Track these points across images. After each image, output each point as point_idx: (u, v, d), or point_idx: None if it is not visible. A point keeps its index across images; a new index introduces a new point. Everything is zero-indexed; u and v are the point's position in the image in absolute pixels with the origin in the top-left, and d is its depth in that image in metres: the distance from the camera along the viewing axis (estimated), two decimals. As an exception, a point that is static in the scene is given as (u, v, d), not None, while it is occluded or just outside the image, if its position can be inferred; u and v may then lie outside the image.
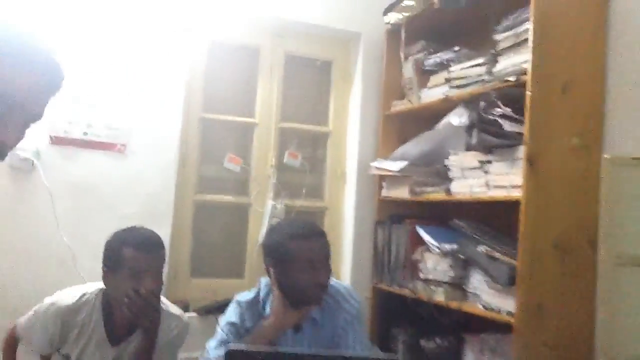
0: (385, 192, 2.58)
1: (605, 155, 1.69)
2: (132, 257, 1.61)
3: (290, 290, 1.64)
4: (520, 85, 1.91)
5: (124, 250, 1.62)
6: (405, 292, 2.33)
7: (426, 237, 2.26)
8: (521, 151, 1.88)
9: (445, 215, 2.31)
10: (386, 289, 2.48)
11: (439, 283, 2.16)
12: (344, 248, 2.75)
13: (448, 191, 2.21)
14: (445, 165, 2.24)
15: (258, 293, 1.76)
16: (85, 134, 2.34)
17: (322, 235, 1.71)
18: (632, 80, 1.91)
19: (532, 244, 1.83)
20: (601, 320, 1.62)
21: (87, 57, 2.33)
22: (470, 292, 2.07)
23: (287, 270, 1.64)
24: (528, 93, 1.87)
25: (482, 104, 2.03)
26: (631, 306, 1.66)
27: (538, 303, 1.83)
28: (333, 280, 1.75)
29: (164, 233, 2.31)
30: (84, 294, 1.71)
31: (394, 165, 2.43)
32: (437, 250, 2.18)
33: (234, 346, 1.37)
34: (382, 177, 2.58)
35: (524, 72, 1.90)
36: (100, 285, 1.72)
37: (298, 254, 1.63)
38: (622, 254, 1.64)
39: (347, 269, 2.69)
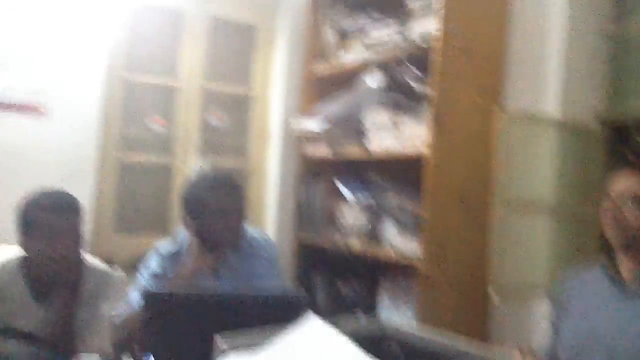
0: (307, 151, 2.71)
1: (501, 112, 1.88)
2: (43, 220, 1.64)
3: (205, 234, 1.76)
4: (430, 49, 2.07)
5: (35, 214, 1.65)
6: (326, 242, 2.49)
7: (344, 191, 2.42)
8: (428, 110, 2.05)
9: (363, 171, 2.47)
10: (308, 240, 2.64)
11: (355, 233, 2.33)
12: (268, 204, 2.88)
13: (365, 148, 2.37)
14: (362, 124, 2.39)
15: (177, 243, 1.87)
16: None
17: (233, 184, 1.84)
18: (532, 40, 2.11)
19: (437, 194, 2.03)
20: (493, 259, 1.83)
21: (3, 14, 2.28)
22: (383, 240, 2.25)
23: (201, 217, 1.76)
24: (435, 56, 2.04)
25: (394, 67, 2.18)
26: (518, 244, 1.89)
27: (441, 247, 2.04)
28: (250, 229, 1.87)
29: (87, 192, 2.33)
30: (3, 260, 1.74)
31: (316, 125, 2.57)
32: (354, 203, 2.34)
33: (151, 289, 1.45)
34: (304, 136, 2.71)
35: (433, 37, 2.06)
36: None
37: (210, 201, 1.76)
38: (512, 200, 1.86)
39: (272, 223, 2.82)
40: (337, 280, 2.47)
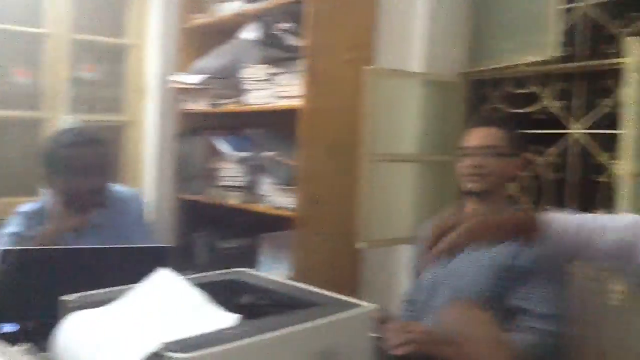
0: (185, 105, 2.64)
1: (367, 67, 1.93)
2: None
3: (67, 192, 1.69)
4: (303, 1, 2.07)
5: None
6: (205, 198, 2.48)
7: (222, 146, 2.40)
8: (302, 63, 2.06)
9: (242, 126, 2.46)
10: (188, 197, 2.60)
11: (234, 188, 2.34)
12: (146, 161, 2.79)
13: (242, 102, 2.35)
14: (239, 78, 2.36)
15: (41, 203, 1.78)
16: None
17: (96, 140, 1.78)
18: (401, 0, 2.17)
19: (310, 148, 2.07)
20: (361, 208, 1.91)
21: None
22: (261, 195, 2.27)
23: (62, 175, 1.68)
24: (307, 9, 2.04)
25: (268, 19, 2.16)
26: (386, 193, 1.99)
27: (315, 198, 2.10)
28: (118, 186, 1.82)
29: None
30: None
31: (194, 79, 2.50)
32: (232, 158, 2.34)
33: (10, 247, 1.40)
34: (182, 90, 2.63)
35: (305, -11, 2.06)
36: None
37: (71, 159, 1.69)
38: (380, 152, 1.94)
39: (150, 181, 2.75)
40: (218, 237, 2.47)
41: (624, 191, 1.37)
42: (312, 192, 2.09)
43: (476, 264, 1.47)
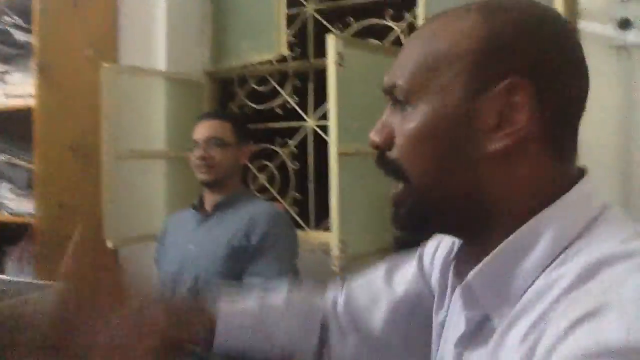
0: None
1: (105, 65, 1.90)
2: None
3: None
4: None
5: None
6: None
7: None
8: (34, 61, 1.95)
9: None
10: None
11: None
12: None
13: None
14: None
15: None
16: None
17: None
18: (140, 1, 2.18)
19: (49, 149, 1.96)
20: (107, 207, 1.87)
21: None
22: (-1, 202, 2.09)
23: None
24: (37, 4, 1.93)
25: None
26: (133, 191, 1.98)
27: (58, 202, 2.00)
28: None
29: None
30: None
31: None
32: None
33: None
34: None
35: (32, -17, 1.95)
36: None
37: None
38: (121, 149, 1.93)
39: None
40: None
41: (334, 170, 1.56)
42: (55, 196, 1.99)
43: (215, 245, 1.55)
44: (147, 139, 2.05)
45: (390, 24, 2.04)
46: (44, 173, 1.96)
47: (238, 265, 1.54)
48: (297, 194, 2.23)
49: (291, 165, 2.24)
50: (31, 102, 1.95)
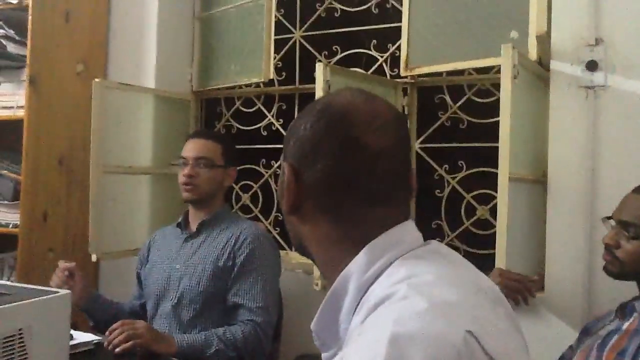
0: None
1: (96, 80, 1.94)
2: None
3: None
4: (24, 8, 1.99)
5: None
6: None
7: None
8: (25, 73, 1.98)
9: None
10: None
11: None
12: None
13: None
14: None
15: None
16: None
17: None
18: (131, 20, 2.23)
19: (36, 160, 1.99)
20: (92, 219, 1.90)
21: None
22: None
23: None
24: (30, 17, 1.97)
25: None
26: (118, 204, 2.01)
27: (43, 213, 2.02)
28: None
29: None
30: None
31: None
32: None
33: None
34: None
35: (29, -2, 1.99)
36: None
37: None
38: (107, 163, 1.96)
39: None
40: None
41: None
42: (40, 207, 2.01)
43: (200, 264, 1.59)
44: (133, 154, 2.09)
45: (374, 54, 2.14)
46: (30, 185, 1.98)
47: (223, 283, 1.58)
48: (279, 214, 2.28)
49: (274, 186, 2.30)
50: (21, 114, 1.98)
